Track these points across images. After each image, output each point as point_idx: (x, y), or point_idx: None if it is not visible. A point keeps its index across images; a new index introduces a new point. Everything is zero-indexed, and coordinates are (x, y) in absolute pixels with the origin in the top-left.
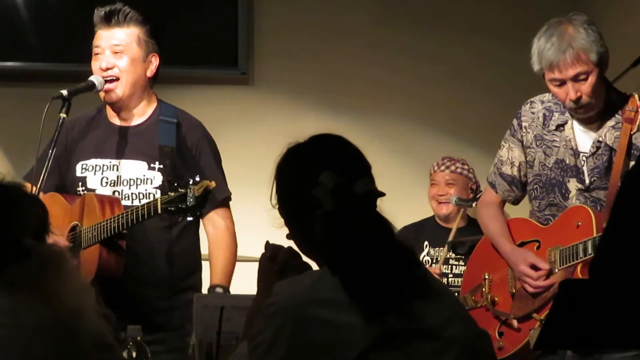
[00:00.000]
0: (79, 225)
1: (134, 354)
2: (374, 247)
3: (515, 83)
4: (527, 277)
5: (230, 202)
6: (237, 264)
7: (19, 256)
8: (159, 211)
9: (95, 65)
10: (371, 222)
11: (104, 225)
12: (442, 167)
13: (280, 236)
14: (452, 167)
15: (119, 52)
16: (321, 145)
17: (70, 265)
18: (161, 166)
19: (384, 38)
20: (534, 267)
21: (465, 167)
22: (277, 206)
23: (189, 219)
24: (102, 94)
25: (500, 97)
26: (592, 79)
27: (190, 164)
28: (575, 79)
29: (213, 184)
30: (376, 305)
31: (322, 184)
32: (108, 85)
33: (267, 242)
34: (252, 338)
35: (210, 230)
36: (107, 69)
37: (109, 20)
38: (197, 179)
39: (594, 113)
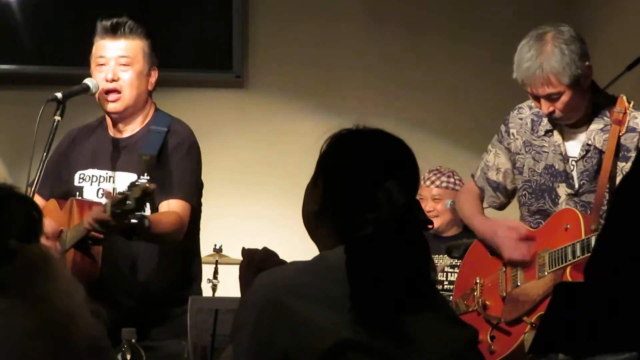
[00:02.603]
0: (64, 230)
1: (129, 357)
2: (405, 274)
3: (508, 88)
4: (508, 240)
5: (224, 204)
6: (232, 267)
7: (5, 258)
8: (108, 213)
9: (99, 76)
10: (415, 250)
11: (76, 228)
12: (428, 182)
13: (270, 239)
14: (438, 182)
15: (125, 64)
16: (400, 151)
17: (57, 266)
18: (148, 177)
19: (377, 42)
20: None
21: (452, 179)
22: (319, 168)
23: (133, 220)
24: (105, 106)
25: (493, 101)
26: (564, 97)
27: (166, 168)
28: (548, 97)
29: (153, 186)
30: (370, 320)
31: (389, 191)
32: (110, 97)
33: (243, 249)
34: (235, 328)
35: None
36: (113, 80)
37: (115, 31)
38: (141, 181)
39: (573, 121)
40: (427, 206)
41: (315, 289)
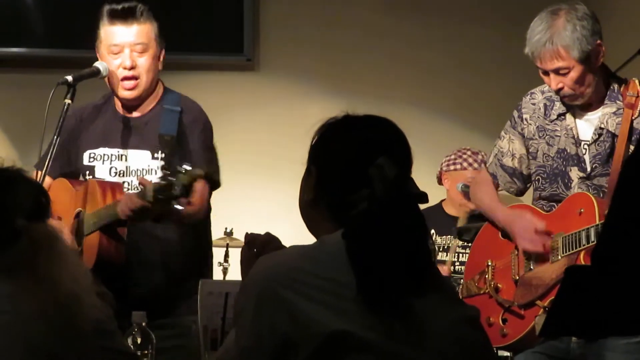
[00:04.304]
0: (82, 212)
1: (139, 340)
2: (405, 250)
3: (524, 71)
4: (525, 231)
5: (235, 187)
6: (239, 249)
7: (11, 238)
8: (150, 199)
9: (114, 63)
10: (412, 225)
11: (103, 212)
12: (484, 165)
13: (280, 222)
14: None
15: (141, 50)
16: (389, 130)
17: (62, 246)
18: (163, 155)
19: (388, 23)
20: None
21: None
22: (311, 157)
23: (178, 207)
24: (121, 93)
25: (508, 84)
26: (574, 73)
27: (184, 149)
28: (556, 71)
29: (202, 172)
30: (377, 304)
31: (381, 167)
32: (127, 84)
33: (246, 233)
34: (237, 313)
35: None
36: (132, 67)
37: (127, 17)
38: (188, 167)
39: (583, 101)
40: None
41: (315, 276)
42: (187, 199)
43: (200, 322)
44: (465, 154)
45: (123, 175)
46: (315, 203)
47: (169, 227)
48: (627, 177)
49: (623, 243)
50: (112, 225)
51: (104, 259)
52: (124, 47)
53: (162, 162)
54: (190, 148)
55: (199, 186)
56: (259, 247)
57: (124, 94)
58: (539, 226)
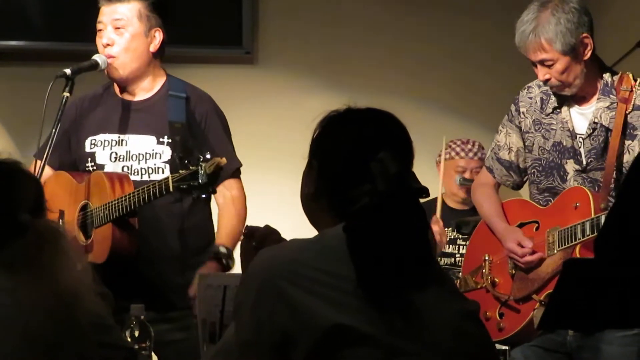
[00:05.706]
0: (89, 204)
1: (137, 334)
2: (406, 243)
3: (519, 62)
4: (513, 254)
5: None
6: (238, 242)
7: (15, 232)
8: (171, 189)
9: (98, 42)
10: (413, 219)
11: (115, 204)
12: (470, 154)
13: (279, 215)
14: (479, 154)
15: (120, 27)
16: (391, 123)
17: (66, 242)
18: (170, 140)
19: (388, 15)
20: (521, 245)
21: (485, 152)
22: (312, 150)
23: (203, 196)
24: (106, 72)
25: (503, 77)
26: (559, 65)
27: (200, 137)
28: (542, 63)
29: (224, 160)
30: (378, 298)
31: (382, 162)
32: (108, 61)
33: (246, 226)
34: (236, 306)
35: (219, 202)
36: (108, 45)
37: None
38: (208, 156)
39: (572, 92)
40: (470, 177)
41: (315, 269)
42: (213, 188)
43: (199, 315)
44: (455, 143)
45: (123, 160)
46: (316, 197)
47: (173, 215)
48: (635, 173)
49: (624, 236)
50: (123, 216)
51: (117, 251)
52: (106, 26)
53: (169, 148)
54: (213, 142)
55: (227, 188)
56: (258, 240)
57: (107, 71)
58: (525, 250)
